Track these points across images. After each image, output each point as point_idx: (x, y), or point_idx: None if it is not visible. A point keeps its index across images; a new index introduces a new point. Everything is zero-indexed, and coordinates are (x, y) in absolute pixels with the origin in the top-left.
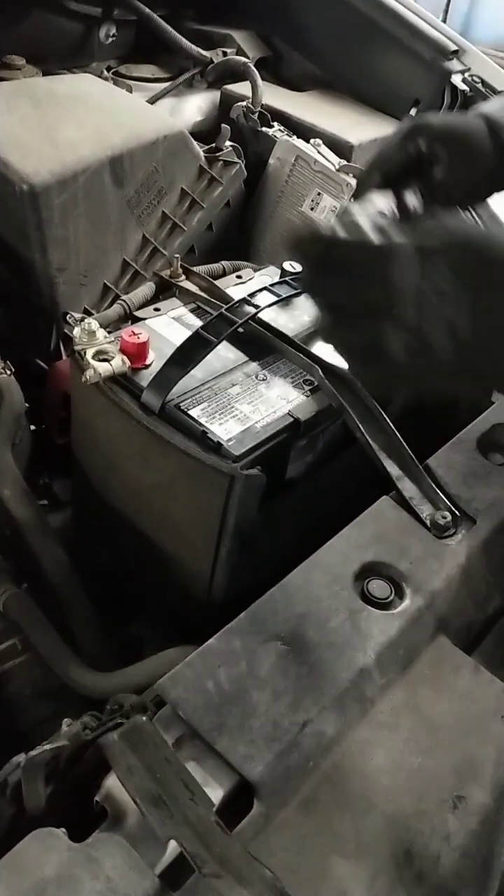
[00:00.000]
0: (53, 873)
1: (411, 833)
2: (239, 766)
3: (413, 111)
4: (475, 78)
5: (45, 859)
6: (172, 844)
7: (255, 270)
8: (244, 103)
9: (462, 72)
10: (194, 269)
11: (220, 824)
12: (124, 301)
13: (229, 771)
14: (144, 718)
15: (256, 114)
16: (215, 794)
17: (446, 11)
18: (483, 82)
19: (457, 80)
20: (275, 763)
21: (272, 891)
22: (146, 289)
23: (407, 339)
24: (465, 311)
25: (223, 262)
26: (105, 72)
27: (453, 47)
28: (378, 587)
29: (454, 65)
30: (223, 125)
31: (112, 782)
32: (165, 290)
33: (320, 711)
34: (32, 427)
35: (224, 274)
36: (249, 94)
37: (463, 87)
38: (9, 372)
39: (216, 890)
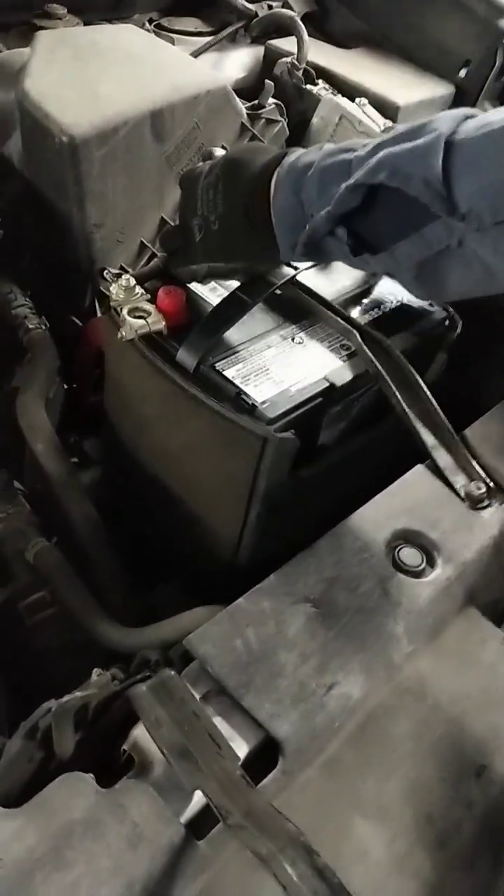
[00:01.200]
0: (81, 816)
1: (433, 799)
2: (265, 723)
3: (463, 72)
4: None
5: (73, 802)
6: (198, 795)
7: None
8: (289, 59)
9: None
10: None
11: (246, 778)
12: (161, 259)
13: (255, 727)
14: (173, 673)
15: (301, 70)
16: (241, 749)
17: None
18: None
19: None
20: (300, 722)
21: (296, 844)
22: None
23: (199, 224)
24: (221, 195)
25: None
26: (147, 24)
27: None
28: (409, 555)
29: None
30: (267, 81)
31: (139, 733)
32: None
33: (347, 675)
34: (65, 386)
35: None
36: (294, 50)
37: None
38: (43, 327)
39: (240, 841)
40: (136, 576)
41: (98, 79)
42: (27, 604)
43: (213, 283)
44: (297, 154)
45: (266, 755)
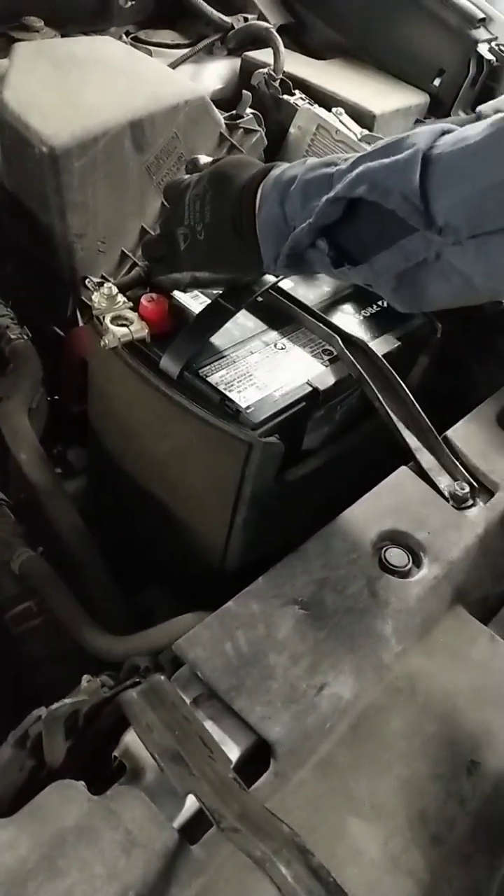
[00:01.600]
0: (73, 823)
1: (427, 796)
2: (256, 726)
3: (437, 81)
4: (502, 48)
5: (65, 810)
6: (191, 799)
7: None
8: (266, 70)
9: (489, 41)
10: None
11: (239, 781)
12: (143, 267)
13: (247, 730)
14: (163, 678)
15: (278, 81)
16: (232, 752)
17: None
18: None
19: (483, 49)
20: (292, 724)
21: (290, 845)
22: None
23: (184, 233)
24: (209, 206)
25: None
26: (124, 37)
27: (480, 15)
28: (396, 556)
29: (481, 33)
30: (244, 91)
31: (130, 738)
32: None
33: (337, 675)
34: (48, 398)
35: None
36: (271, 61)
37: (489, 56)
38: (26, 337)
39: (234, 844)
40: (124, 583)
41: (77, 89)
42: (13, 614)
43: (195, 291)
44: (282, 168)
45: (258, 758)
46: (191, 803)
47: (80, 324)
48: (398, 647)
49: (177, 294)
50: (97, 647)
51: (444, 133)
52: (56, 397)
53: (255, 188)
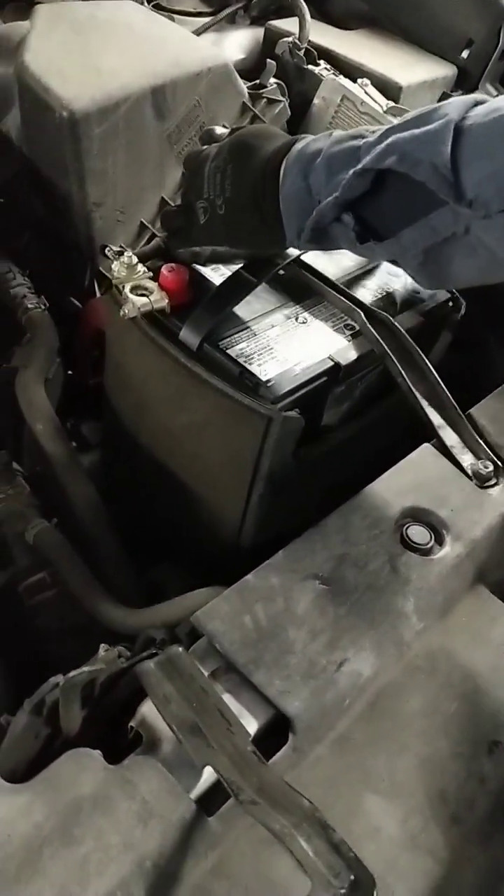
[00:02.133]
0: (89, 792)
1: (446, 775)
2: (275, 700)
3: (465, 53)
4: None
5: (80, 778)
6: (208, 772)
7: None
8: (290, 39)
9: None
10: None
11: (257, 754)
12: (162, 239)
13: (265, 704)
14: (181, 649)
15: (303, 50)
16: (251, 726)
17: None
18: None
19: None
20: (311, 699)
21: (311, 819)
22: None
23: (204, 206)
24: (230, 179)
25: None
26: (145, 3)
27: None
28: (418, 533)
29: None
30: (269, 60)
31: (147, 709)
32: None
33: (357, 652)
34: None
35: None
36: (295, 30)
37: None
38: (43, 307)
39: (253, 816)
40: (137, 559)
41: (99, 53)
42: (27, 585)
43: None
44: (306, 141)
45: (276, 732)
46: (208, 775)
47: (98, 295)
48: (419, 626)
49: (197, 265)
50: (111, 619)
51: (476, 104)
52: (70, 372)
53: (279, 161)
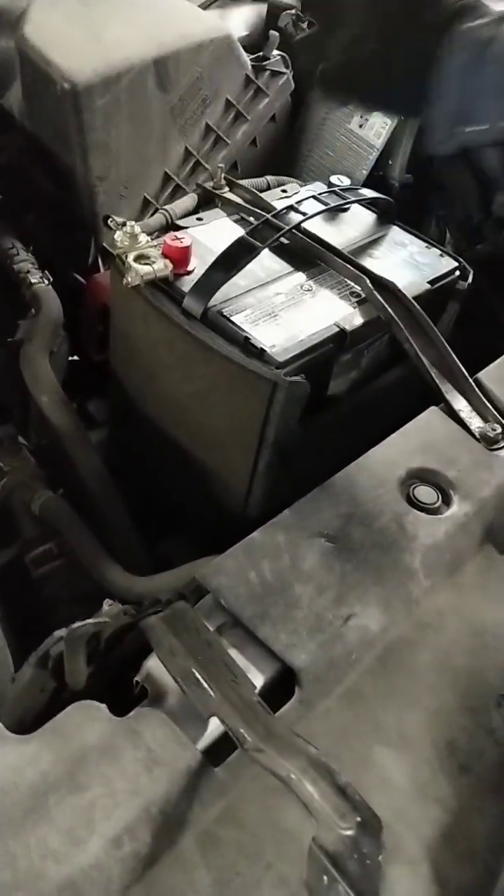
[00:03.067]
0: (95, 741)
1: (455, 727)
2: (281, 654)
3: None
4: None
5: (87, 728)
6: (214, 723)
7: (301, 186)
8: (293, 11)
9: None
10: (238, 181)
11: (263, 704)
12: (166, 210)
13: (271, 658)
14: (186, 605)
15: (306, 22)
16: (257, 679)
17: None
18: None
19: None
20: (317, 652)
21: (317, 764)
22: (188, 200)
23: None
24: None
25: (268, 177)
26: None
27: None
28: (425, 493)
29: None
30: (272, 32)
31: (153, 663)
32: (208, 202)
33: (364, 607)
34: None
35: (269, 188)
36: (297, 2)
37: None
38: (47, 281)
39: (259, 763)
40: (145, 532)
41: (100, 25)
42: (33, 556)
43: (211, 228)
44: (478, 19)
45: (283, 686)
46: (214, 727)
47: (102, 270)
48: (427, 583)
49: (198, 233)
50: (118, 586)
51: None
52: (76, 356)
53: (444, 28)
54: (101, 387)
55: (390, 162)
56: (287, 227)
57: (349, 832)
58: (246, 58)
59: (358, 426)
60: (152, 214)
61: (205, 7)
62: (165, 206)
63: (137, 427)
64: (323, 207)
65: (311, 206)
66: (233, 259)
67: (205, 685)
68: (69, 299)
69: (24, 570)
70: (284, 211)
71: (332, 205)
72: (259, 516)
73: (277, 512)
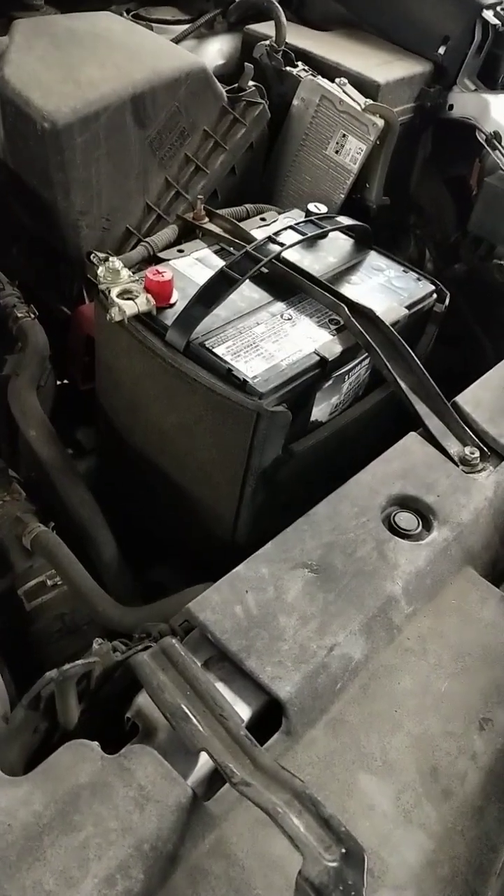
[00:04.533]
0: (87, 780)
1: (438, 752)
2: (267, 686)
3: (442, 49)
4: None
5: (79, 768)
6: (204, 757)
7: (279, 213)
8: (268, 42)
9: (494, 5)
10: (218, 211)
11: (250, 738)
12: (148, 243)
13: (258, 690)
14: (174, 640)
15: (280, 53)
16: (244, 712)
17: None
18: None
19: (488, 14)
20: (303, 683)
21: (301, 797)
22: (169, 231)
23: None
24: None
25: (247, 206)
26: (124, 14)
27: None
28: (405, 519)
29: None
30: (246, 64)
31: (142, 700)
32: (189, 233)
33: (348, 636)
34: (62, 382)
35: (248, 217)
36: (272, 33)
37: (495, 21)
38: (33, 315)
39: (246, 797)
40: (134, 560)
41: (78, 65)
42: (26, 589)
43: (192, 260)
44: None
45: (270, 717)
46: (204, 761)
47: (86, 302)
48: (408, 609)
49: (180, 265)
50: (109, 618)
51: None
52: (64, 381)
53: None
54: (88, 414)
55: (367, 185)
56: (265, 259)
57: (333, 864)
58: (221, 90)
59: (341, 448)
60: (134, 245)
61: (181, 38)
62: (147, 239)
63: (125, 456)
64: (301, 237)
65: (290, 236)
66: (213, 292)
67: (194, 720)
68: (55, 329)
69: (16, 602)
70: (263, 242)
71: (310, 234)
72: (248, 542)
73: (265, 535)
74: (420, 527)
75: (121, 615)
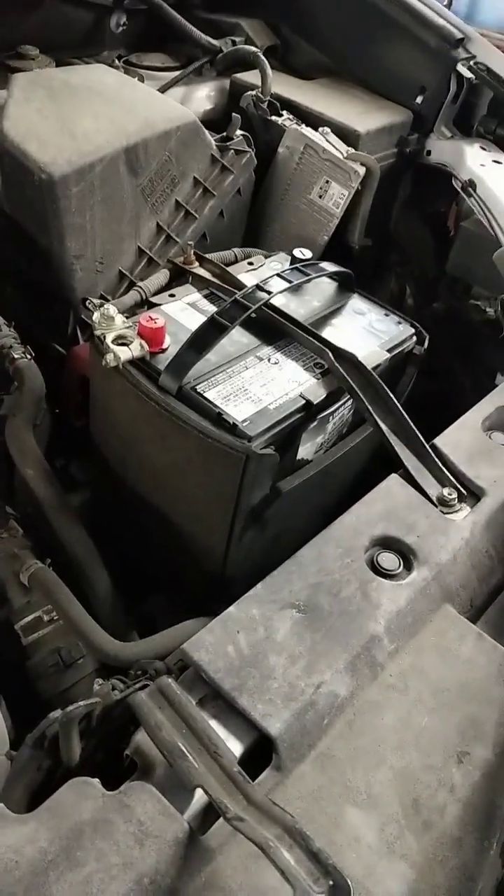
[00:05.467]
0: (89, 817)
1: (419, 785)
2: (258, 723)
3: (419, 99)
4: (480, 66)
5: (81, 805)
6: (199, 793)
7: (266, 257)
8: (254, 93)
9: (468, 59)
10: (207, 256)
11: (243, 774)
12: (140, 287)
13: (249, 727)
14: (170, 680)
15: (266, 103)
16: (236, 748)
17: None
18: (488, 70)
19: (462, 68)
20: (292, 720)
21: (292, 831)
22: (161, 275)
23: None
24: None
25: (235, 250)
26: (116, 60)
27: (459, 35)
28: (387, 559)
29: (460, 53)
30: (234, 114)
31: (141, 737)
32: (179, 276)
33: (334, 674)
34: (52, 413)
35: (236, 261)
36: (259, 82)
37: (468, 74)
38: (29, 356)
39: (240, 832)
40: (128, 591)
41: (73, 117)
42: (23, 624)
43: (183, 305)
44: None
45: (261, 753)
46: (199, 796)
47: (81, 342)
48: (390, 646)
49: (172, 311)
50: (105, 653)
51: None
52: (59, 412)
53: None
54: (84, 449)
55: (350, 227)
56: (253, 307)
57: (322, 895)
58: (210, 139)
59: (328, 484)
60: (127, 288)
61: (171, 84)
62: (140, 284)
63: (118, 492)
64: (287, 285)
65: (277, 283)
66: (204, 339)
67: (189, 758)
68: (50, 368)
69: (13, 636)
70: (251, 290)
71: (295, 282)
72: (237, 577)
73: (255, 568)
74: (401, 566)
75: (116, 650)
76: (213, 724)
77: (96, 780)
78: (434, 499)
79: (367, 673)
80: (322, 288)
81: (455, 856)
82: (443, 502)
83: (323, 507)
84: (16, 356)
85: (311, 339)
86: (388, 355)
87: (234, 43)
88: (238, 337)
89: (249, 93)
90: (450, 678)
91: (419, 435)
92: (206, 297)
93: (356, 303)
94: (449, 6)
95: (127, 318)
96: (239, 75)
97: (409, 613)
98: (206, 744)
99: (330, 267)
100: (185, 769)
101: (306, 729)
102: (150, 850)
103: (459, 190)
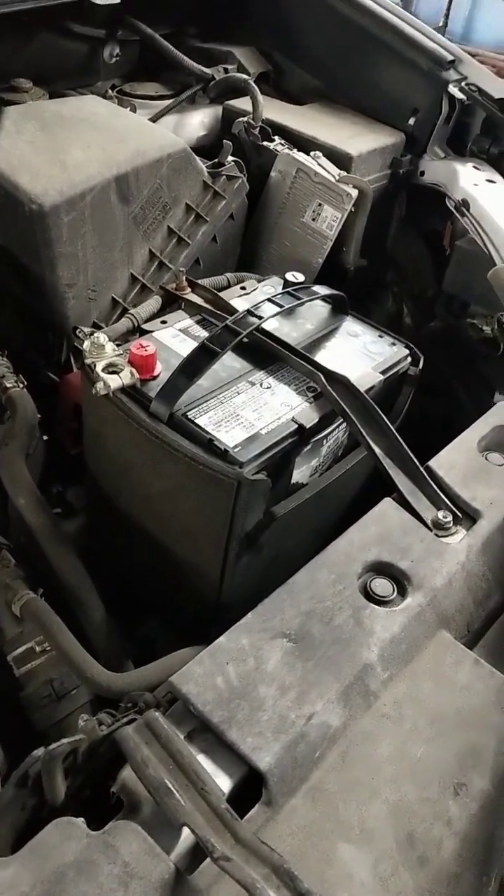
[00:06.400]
0: (73, 859)
1: (414, 819)
2: (248, 757)
3: (412, 121)
4: (472, 87)
5: (65, 846)
6: (186, 831)
7: (259, 281)
8: (245, 119)
9: (459, 81)
10: (199, 281)
11: (231, 811)
12: (132, 315)
13: (239, 762)
14: (157, 714)
15: (257, 129)
16: (225, 784)
17: (447, 16)
18: (480, 91)
19: (454, 89)
20: (282, 753)
21: (279, 871)
22: (153, 302)
23: None
24: None
25: (227, 275)
26: (109, 90)
27: (450, 57)
28: (381, 585)
29: (451, 74)
30: (225, 141)
31: (127, 774)
32: (172, 302)
33: (325, 704)
34: (45, 437)
35: (228, 286)
36: (251, 108)
37: (460, 96)
38: (21, 385)
39: (227, 872)
40: (123, 617)
41: (64, 148)
42: (16, 656)
43: (175, 331)
44: None
45: (251, 787)
46: (186, 834)
47: (74, 369)
48: (384, 674)
49: (164, 337)
50: (97, 684)
51: None
52: (54, 437)
53: None
54: (79, 474)
55: (344, 249)
56: (244, 332)
57: None
58: (202, 166)
59: (321, 507)
60: (120, 315)
61: (164, 112)
62: (132, 311)
63: (112, 518)
64: (278, 310)
65: (269, 308)
66: (195, 365)
67: (176, 795)
68: (44, 396)
69: (6, 667)
70: (243, 315)
71: (287, 306)
72: (232, 601)
73: (250, 592)
74: (395, 592)
75: (108, 681)
76: (202, 758)
77: (81, 820)
78: (429, 522)
79: (361, 702)
80: (316, 311)
81: (452, 892)
82: (438, 525)
83: (320, 529)
84: (8, 385)
85: (302, 362)
86: (382, 377)
87: (226, 71)
88: (230, 362)
89: (241, 119)
90: (446, 706)
91: (413, 457)
92: (198, 322)
93: (350, 325)
94: (445, 26)
95: (118, 345)
96: (231, 102)
97: (404, 640)
98: (194, 780)
99: (322, 290)
100: (171, 807)
101: (297, 762)
102: (134, 892)
103: (453, 210)
